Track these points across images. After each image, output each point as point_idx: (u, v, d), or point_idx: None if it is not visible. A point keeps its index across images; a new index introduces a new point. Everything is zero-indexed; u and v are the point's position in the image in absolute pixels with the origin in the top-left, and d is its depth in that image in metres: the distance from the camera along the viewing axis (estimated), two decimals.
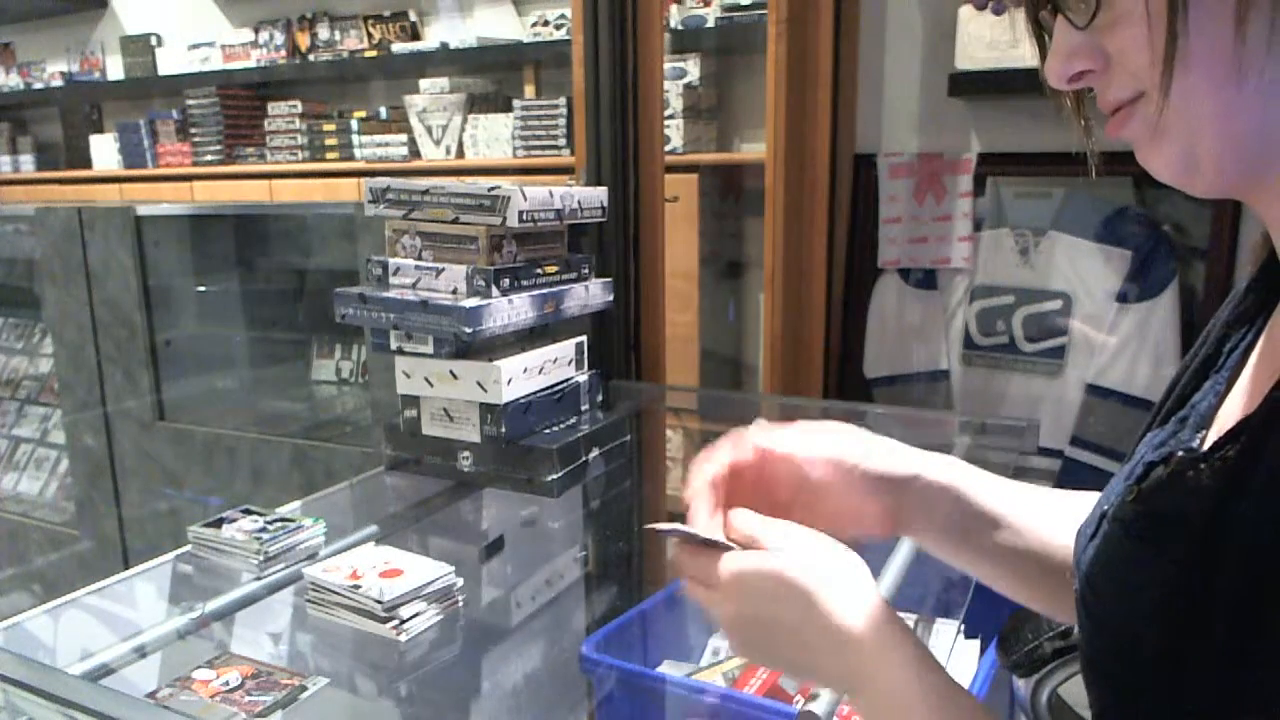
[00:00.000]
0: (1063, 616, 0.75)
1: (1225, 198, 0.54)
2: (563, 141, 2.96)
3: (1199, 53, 0.48)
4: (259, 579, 1.07)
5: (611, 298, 1.55)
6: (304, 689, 0.93)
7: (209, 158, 3.78)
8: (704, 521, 0.66)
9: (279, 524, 1.13)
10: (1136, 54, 0.50)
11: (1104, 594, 0.57)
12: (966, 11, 1.97)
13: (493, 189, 1.30)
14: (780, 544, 0.61)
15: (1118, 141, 0.56)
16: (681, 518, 0.69)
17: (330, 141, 3.49)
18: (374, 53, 3.50)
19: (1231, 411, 0.57)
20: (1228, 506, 0.48)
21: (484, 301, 1.28)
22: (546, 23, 3.08)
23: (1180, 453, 0.56)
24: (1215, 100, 0.48)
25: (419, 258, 1.37)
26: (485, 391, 1.31)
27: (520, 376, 1.34)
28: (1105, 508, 0.61)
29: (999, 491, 0.74)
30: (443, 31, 3.39)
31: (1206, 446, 0.56)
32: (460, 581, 1.06)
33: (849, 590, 0.60)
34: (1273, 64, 0.46)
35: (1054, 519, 0.73)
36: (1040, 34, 0.58)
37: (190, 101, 3.78)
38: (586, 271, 1.50)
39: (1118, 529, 0.58)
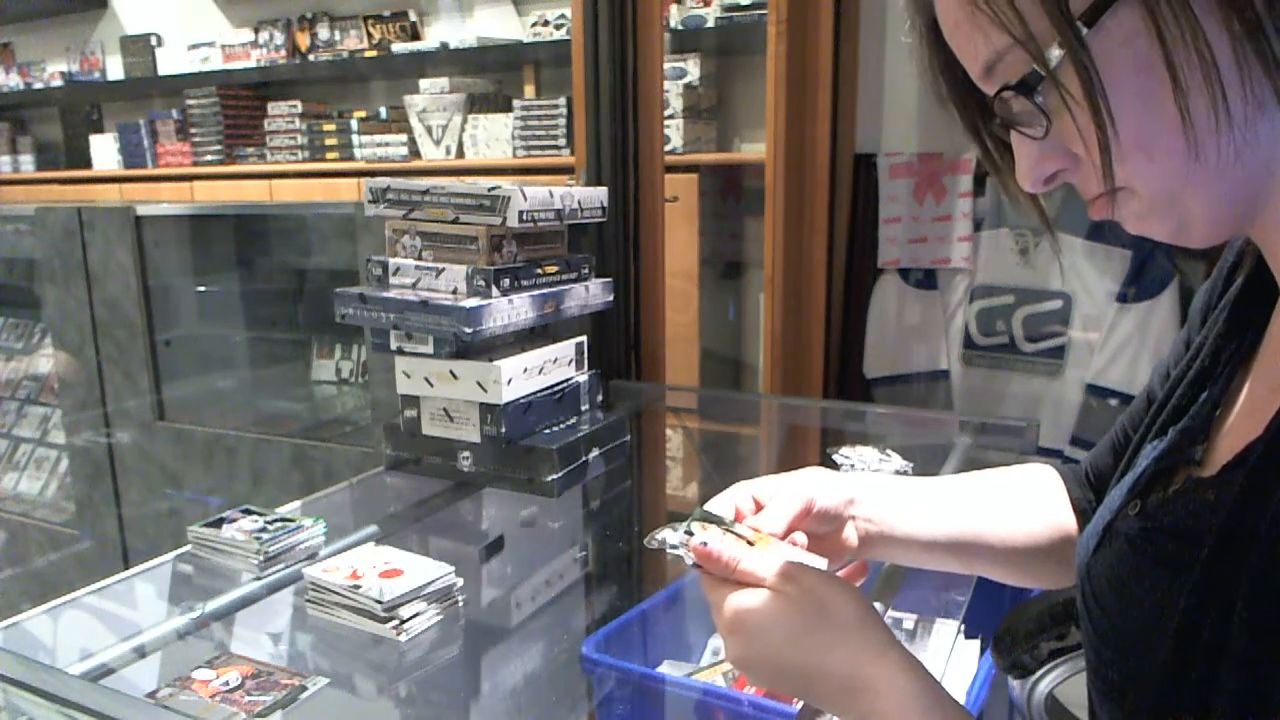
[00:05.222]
0: (1019, 582, 0.81)
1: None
2: (563, 141, 2.96)
3: (1153, 140, 0.49)
4: (259, 579, 1.07)
5: (611, 298, 1.55)
6: (304, 689, 0.93)
7: (209, 158, 3.78)
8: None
9: (279, 524, 1.13)
10: (1093, 158, 0.52)
11: (1111, 607, 0.58)
12: None
13: (493, 189, 1.30)
14: (782, 585, 0.62)
15: None
16: (680, 518, 0.69)
17: (330, 141, 3.49)
18: (374, 53, 3.50)
19: (1232, 424, 0.58)
20: (1243, 522, 0.49)
21: (484, 301, 1.28)
22: (546, 23, 3.08)
23: (1183, 468, 0.56)
24: (1185, 176, 0.50)
25: (419, 258, 1.37)
26: (485, 391, 1.31)
27: (520, 376, 1.34)
28: (1108, 519, 0.61)
29: (924, 489, 0.79)
30: (443, 31, 3.39)
31: (1207, 459, 0.56)
32: (460, 581, 1.06)
33: (848, 624, 0.60)
34: (1225, 138, 0.48)
35: (978, 502, 0.79)
36: (984, 145, 0.60)
37: (190, 101, 3.78)
38: (586, 271, 1.50)
39: (1123, 544, 0.58)
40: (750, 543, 0.65)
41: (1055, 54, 0.49)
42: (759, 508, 0.71)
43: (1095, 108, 0.49)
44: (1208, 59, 0.46)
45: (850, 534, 0.75)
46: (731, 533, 0.66)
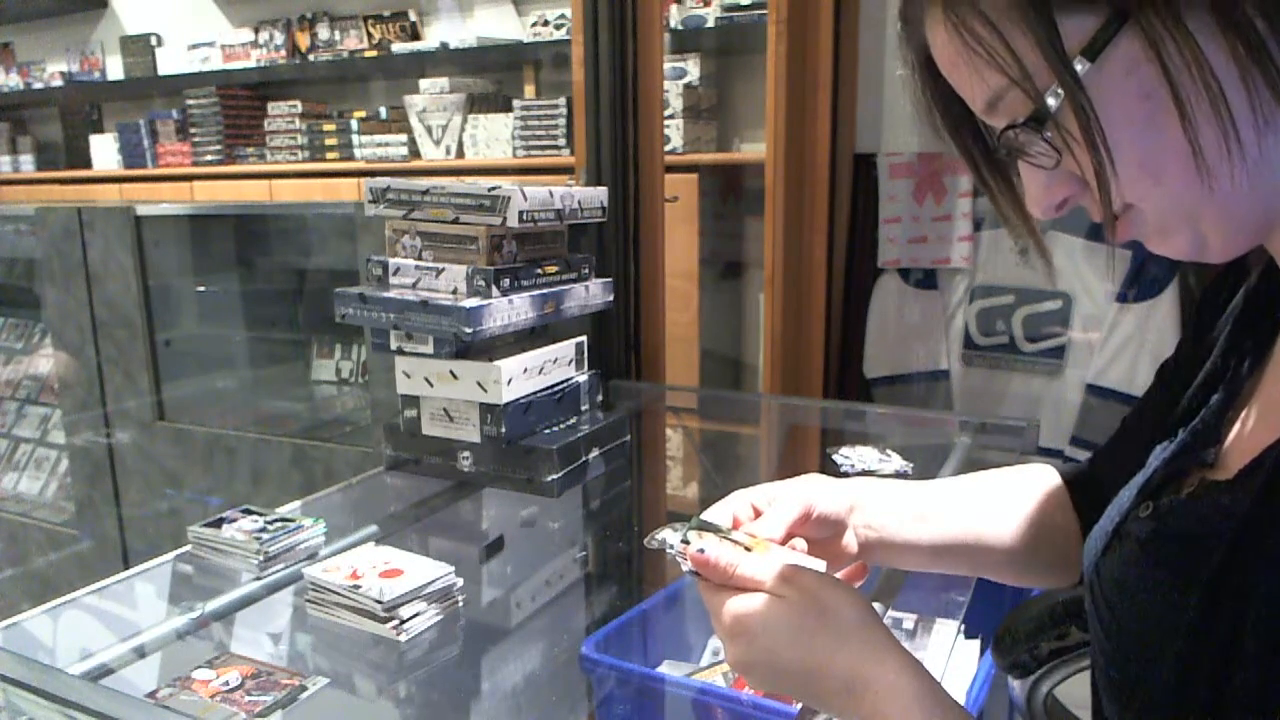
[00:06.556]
0: (1019, 582, 0.81)
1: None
2: (563, 141, 2.96)
3: (1160, 167, 0.49)
4: (259, 579, 1.07)
5: (611, 298, 1.55)
6: (304, 689, 0.93)
7: (209, 158, 3.78)
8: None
9: (279, 524, 1.13)
10: (1093, 190, 0.52)
11: (1120, 608, 0.58)
12: None
13: (493, 189, 1.30)
14: (781, 588, 0.62)
15: None
16: (680, 518, 0.69)
17: (330, 141, 3.49)
18: (374, 53, 3.50)
19: (1245, 428, 0.58)
20: (1259, 526, 0.49)
21: (484, 301, 1.28)
22: (546, 23, 3.08)
23: (1194, 470, 0.56)
24: (1196, 200, 0.50)
25: (419, 258, 1.37)
26: (485, 391, 1.31)
27: (520, 376, 1.34)
28: (1118, 520, 0.61)
29: (922, 494, 0.79)
30: (443, 31, 3.39)
31: (1219, 461, 0.56)
32: (460, 581, 1.06)
33: (849, 626, 0.60)
34: (1237, 165, 0.48)
35: (978, 504, 0.79)
36: (980, 173, 0.60)
37: (190, 101, 3.78)
38: (586, 271, 1.50)
39: (1134, 545, 0.58)
40: (748, 549, 0.65)
41: (1055, 93, 0.49)
42: (757, 515, 0.71)
43: (1094, 146, 0.49)
44: (1214, 89, 0.46)
45: (850, 540, 0.75)
46: (729, 540, 0.66)
